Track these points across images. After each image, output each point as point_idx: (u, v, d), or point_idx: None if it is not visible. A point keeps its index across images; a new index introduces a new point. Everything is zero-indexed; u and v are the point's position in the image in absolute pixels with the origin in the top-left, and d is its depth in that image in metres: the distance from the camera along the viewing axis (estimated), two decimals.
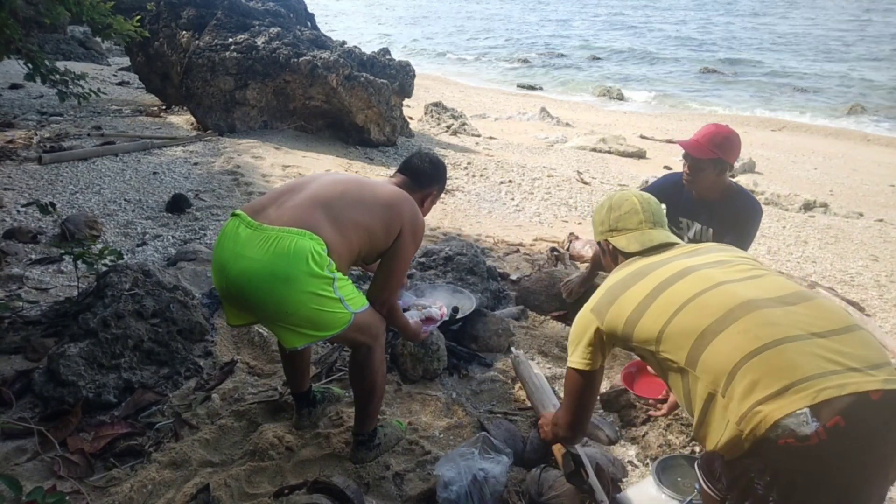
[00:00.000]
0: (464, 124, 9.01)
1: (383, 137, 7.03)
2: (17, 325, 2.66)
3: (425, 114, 9.44)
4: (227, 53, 6.56)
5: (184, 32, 7.18)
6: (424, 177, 2.12)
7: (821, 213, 6.54)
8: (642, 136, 10.04)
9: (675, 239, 1.72)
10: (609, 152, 8.63)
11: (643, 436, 2.29)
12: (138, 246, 3.77)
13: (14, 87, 8.08)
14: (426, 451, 2.13)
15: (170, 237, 3.95)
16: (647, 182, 6.76)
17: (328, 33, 7.87)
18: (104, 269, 2.72)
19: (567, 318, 3.16)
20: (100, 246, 3.21)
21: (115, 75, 10.26)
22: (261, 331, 2.81)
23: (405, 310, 2.35)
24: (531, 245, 4.49)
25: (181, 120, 7.24)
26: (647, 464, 2.15)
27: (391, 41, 23.93)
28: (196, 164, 5.48)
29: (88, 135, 6.04)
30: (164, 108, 7.91)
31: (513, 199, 5.76)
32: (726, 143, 2.58)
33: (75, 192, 4.53)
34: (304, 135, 6.94)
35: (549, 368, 2.73)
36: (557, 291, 3.17)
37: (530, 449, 2.12)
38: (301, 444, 2.14)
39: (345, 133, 7.04)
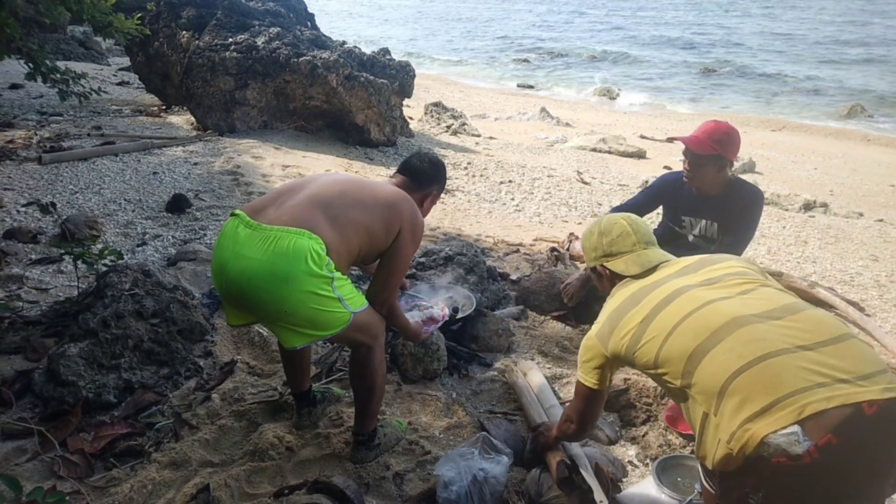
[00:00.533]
0: (464, 124, 9.01)
1: (383, 137, 7.03)
2: (17, 325, 2.67)
3: (425, 114, 9.43)
4: (227, 53, 6.56)
5: (184, 32, 7.18)
6: (424, 177, 2.12)
7: (821, 213, 6.53)
8: (642, 136, 10.04)
9: (669, 256, 1.73)
10: (609, 152, 8.63)
11: (643, 436, 2.29)
12: (138, 246, 3.77)
13: (14, 87, 8.08)
14: (426, 451, 2.13)
15: (170, 237, 3.95)
16: (646, 182, 6.76)
17: (328, 33, 7.87)
18: (104, 269, 2.72)
19: (567, 319, 3.16)
20: (100, 246, 3.21)
21: (115, 75, 10.26)
22: (261, 331, 2.81)
23: (406, 310, 2.35)
24: (531, 245, 4.49)
25: (181, 120, 7.24)
26: (647, 464, 2.15)
27: (390, 41, 23.93)
28: (196, 164, 5.48)
29: (88, 135, 6.04)
30: (164, 108, 7.91)
31: (513, 199, 5.76)
32: (726, 140, 2.58)
33: (75, 192, 4.53)
34: (304, 135, 6.94)
35: (549, 368, 2.73)
36: (557, 291, 3.17)
37: (529, 449, 2.12)
38: (301, 444, 2.14)
39: (345, 133, 7.04)
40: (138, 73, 8.31)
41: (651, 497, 1.85)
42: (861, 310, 3.77)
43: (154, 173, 5.09)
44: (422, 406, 2.42)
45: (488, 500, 1.85)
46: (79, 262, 2.73)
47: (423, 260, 3.40)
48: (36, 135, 5.87)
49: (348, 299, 1.76)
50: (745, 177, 7.75)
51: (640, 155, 8.68)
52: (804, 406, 1.14)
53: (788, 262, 4.79)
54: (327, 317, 1.72)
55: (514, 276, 3.66)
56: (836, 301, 3.78)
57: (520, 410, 2.42)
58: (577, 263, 3.92)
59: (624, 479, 2.07)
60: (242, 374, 2.53)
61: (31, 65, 4.67)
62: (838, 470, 1.13)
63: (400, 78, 7.17)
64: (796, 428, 1.12)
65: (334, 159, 6.21)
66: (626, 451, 2.25)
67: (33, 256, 3.44)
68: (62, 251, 2.98)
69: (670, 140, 2.83)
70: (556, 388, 2.53)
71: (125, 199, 4.51)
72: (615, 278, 1.73)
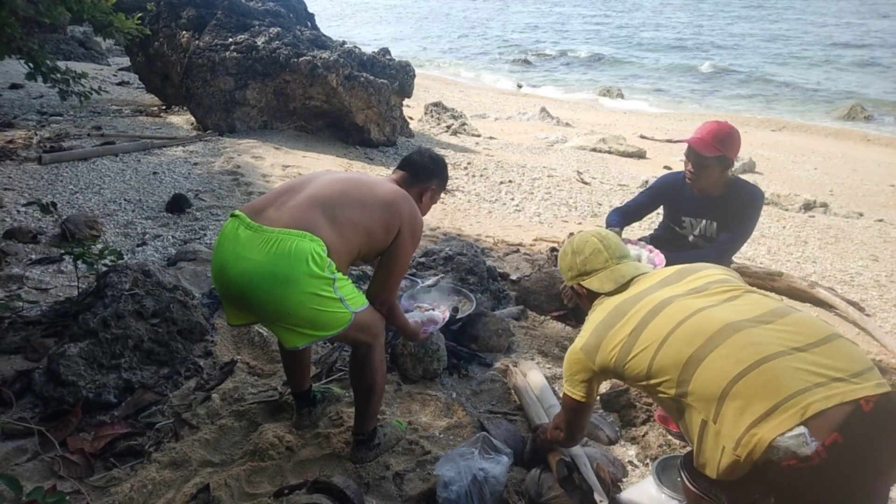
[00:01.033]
0: (464, 124, 9.01)
1: (383, 137, 7.03)
2: (17, 325, 2.66)
3: (425, 114, 9.44)
4: (227, 53, 6.56)
5: (184, 32, 7.18)
6: (423, 171, 2.12)
7: (821, 213, 6.54)
8: (642, 136, 10.05)
9: (644, 268, 1.75)
10: (609, 152, 8.63)
11: (643, 436, 2.29)
12: (138, 246, 3.77)
13: (14, 87, 8.08)
14: (426, 451, 2.13)
15: (170, 237, 3.95)
16: (646, 182, 6.76)
17: (327, 32, 7.87)
18: (104, 269, 2.72)
19: (567, 318, 3.16)
20: (100, 246, 3.21)
21: (115, 75, 10.26)
22: (261, 331, 2.81)
23: (407, 311, 2.35)
24: (531, 245, 4.49)
25: (181, 120, 7.24)
26: (647, 464, 2.15)
27: (391, 41, 23.92)
28: (196, 164, 5.48)
29: (88, 135, 6.04)
30: (164, 108, 7.91)
31: (513, 199, 5.76)
32: (729, 140, 2.59)
33: (75, 192, 4.53)
34: (304, 135, 6.94)
35: (549, 368, 2.73)
36: (557, 291, 3.17)
37: (529, 449, 2.12)
38: (301, 444, 2.14)
39: (345, 133, 7.04)
40: (138, 73, 8.31)
41: (651, 497, 1.85)
42: (861, 310, 3.78)
43: (154, 173, 5.09)
44: (422, 406, 2.42)
45: (488, 500, 1.85)
46: (79, 262, 2.73)
47: (423, 260, 3.40)
48: (36, 135, 5.87)
49: (349, 299, 1.76)
50: (745, 177, 7.77)
51: (640, 155, 8.69)
52: (806, 406, 1.15)
53: (788, 262, 4.79)
54: (328, 317, 1.72)
55: (514, 276, 3.66)
56: (836, 301, 3.78)
57: (520, 410, 2.42)
58: None
59: (624, 479, 2.07)
60: (242, 374, 2.53)
61: (31, 65, 4.67)
62: (846, 468, 1.14)
63: (400, 78, 7.17)
64: (803, 429, 1.13)
65: (334, 159, 6.21)
66: (626, 451, 2.25)
67: (33, 256, 3.44)
68: (62, 251, 2.98)
69: (673, 142, 2.82)
70: (556, 388, 2.53)
71: (125, 199, 4.51)
72: (592, 296, 1.76)
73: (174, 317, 2.58)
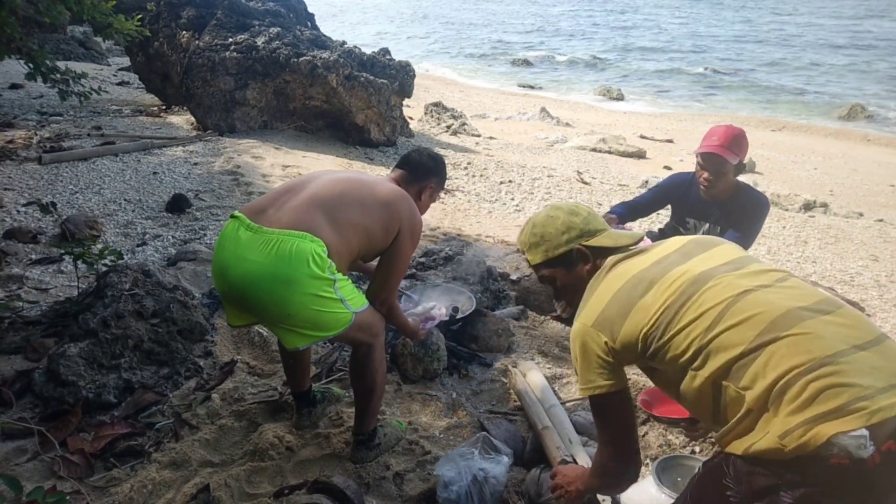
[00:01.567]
0: (464, 124, 9.01)
1: (383, 137, 7.03)
2: (17, 325, 2.66)
3: (425, 114, 9.43)
4: (227, 53, 6.56)
5: (184, 32, 7.18)
6: (422, 169, 2.12)
7: (821, 213, 6.54)
8: (642, 136, 10.05)
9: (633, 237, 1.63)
10: (609, 152, 8.63)
11: (643, 436, 2.29)
12: (138, 246, 3.77)
13: (14, 87, 8.08)
14: (426, 451, 2.13)
15: (170, 237, 3.95)
16: (647, 182, 6.77)
17: (328, 33, 7.87)
18: (104, 269, 2.72)
19: (567, 319, 3.15)
20: (100, 246, 3.20)
21: (115, 75, 10.26)
22: (261, 331, 2.81)
23: (406, 311, 2.35)
24: None
25: (181, 120, 7.24)
26: (647, 464, 2.15)
27: (390, 41, 23.92)
28: (196, 164, 5.48)
29: (88, 135, 6.04)
30: (164, 108, 7.91)
31: (513, 199, 5.76)
32: (743, 143, 2.64)
33: (75, 192, 4.53)
34: (304, 135, 6.94)
35: (549, 368, 2.73)
36: None
37: (529, 453, 2.12)
38: (301, 444, 2.14)
39: (345, 133, 7.04)
40: (138, 73, 8.31)
41: (651, 497, 1.85)
42: (861, 310, 3.77)
43: (154, 173, 5.09)
44: (422, 406, 2.42)
45: (488, 500, 1.85)
46: (79, 262, 2.73)
47: (423, 260, 3.40)
48: (36, 135, 5.87)
49: (350, 300, 1.76)
50: (745, 177, 7.76)
51: (640, 155, 8.69)
52: (873, 412, 1.10)
53: (788, 262, 4.79)
54: (329, 318, 1.73)
55: (514, 276, 3.66)
56: None
57: (520, 411, 2.42)
58: None
59: None
60: (242, 374, 2.53)
61: (31, 65, 4.67)
62: (893, 478, 1.11)
63: (400, 78, 7.17)
64: (865, 431, 1.09)
65: (334, 159, 6.21)
66: None
67: (33, 256, 3.44)
68: (62, 251, 2.98)
69: (698, 153, 2.73)
70: (556, 388, 2.52)
71: (125, 199, 4.51)
72: (598, 258, 1.57)
73: (174, 317, 2.58)
